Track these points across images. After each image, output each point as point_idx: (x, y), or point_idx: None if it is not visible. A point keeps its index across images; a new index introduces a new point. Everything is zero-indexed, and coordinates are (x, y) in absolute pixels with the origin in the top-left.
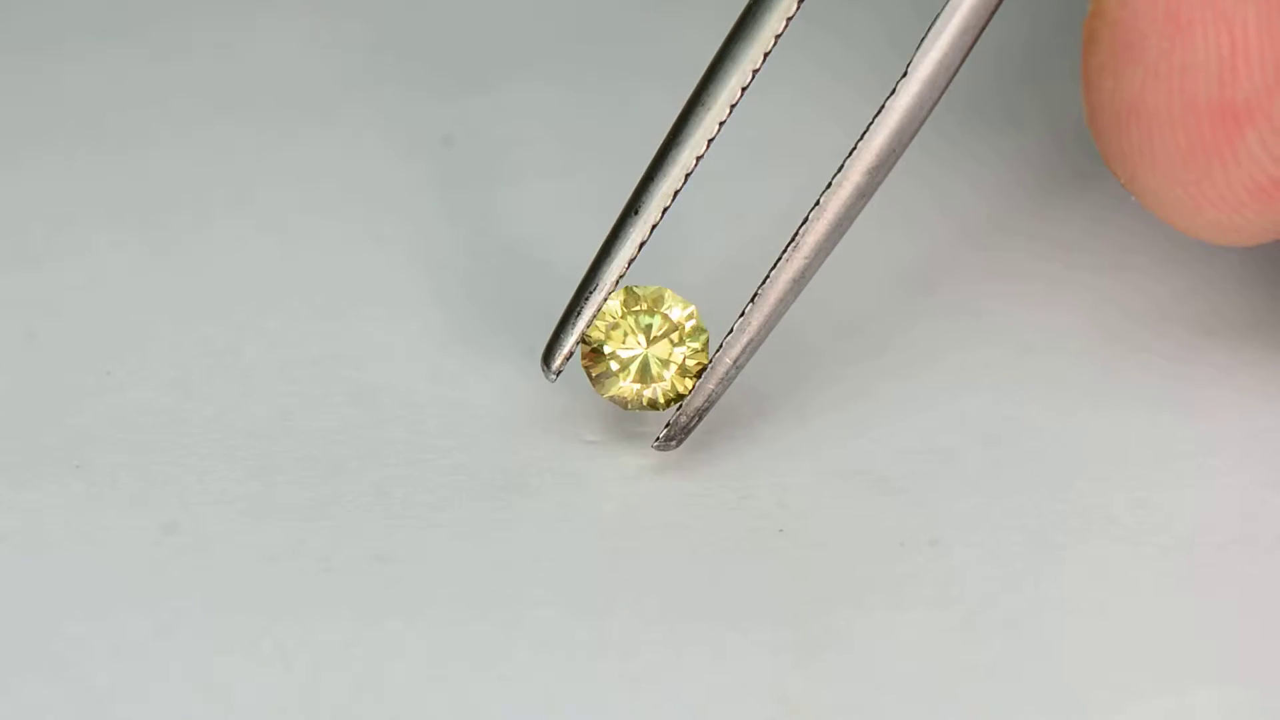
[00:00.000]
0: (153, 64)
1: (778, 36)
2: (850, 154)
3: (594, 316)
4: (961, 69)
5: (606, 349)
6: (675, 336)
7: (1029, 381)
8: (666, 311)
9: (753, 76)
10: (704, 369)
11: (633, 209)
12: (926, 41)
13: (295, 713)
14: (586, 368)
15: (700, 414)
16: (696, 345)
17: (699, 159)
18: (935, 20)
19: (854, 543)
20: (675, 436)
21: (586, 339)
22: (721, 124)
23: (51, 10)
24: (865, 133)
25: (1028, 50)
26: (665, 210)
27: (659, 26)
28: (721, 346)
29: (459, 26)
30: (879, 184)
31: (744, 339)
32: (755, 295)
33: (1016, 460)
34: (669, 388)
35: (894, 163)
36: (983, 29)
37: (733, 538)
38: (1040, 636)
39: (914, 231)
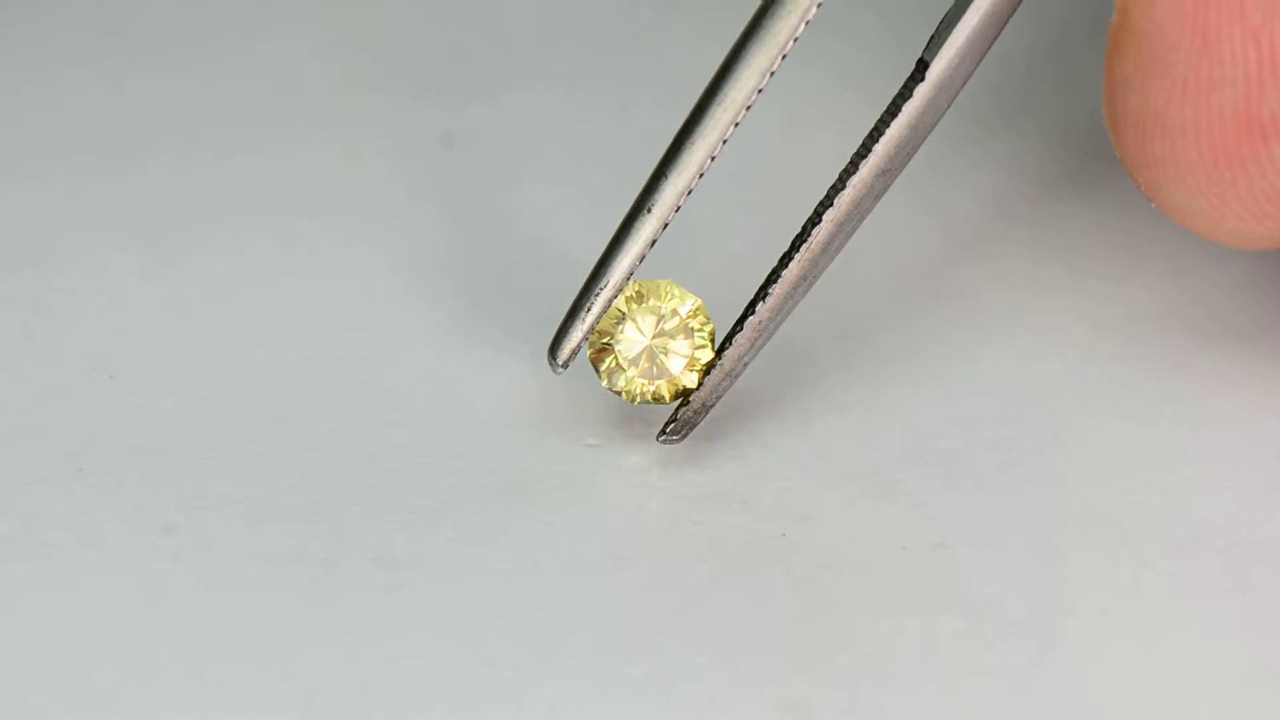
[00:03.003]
0: (155, 73)
1: (795, 38)
2: (862, 154)
3: (603, 311)
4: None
5: (613, 342)
6: (682, 330)
7: (1031, 387)
8: (673, 305)
9: (770, 77)
10: (710, 363)
11: (645, 206)
12: (944, 45)
13: (295, 716)
14: (593, 360)
15: (706, 408)
16: (702, 339)
17: (713, 159)
18: (951, 22)
19: (857, 547)
20: (680, 431)
21: (593, 331)
22: (736, 125)
23: (51, 23)
24: (877, 134)
25: (1028, 57)
26: (678, 209)
27: (660, 32)
28: (729, 342)
29: (460, 33)
30: (890, 184)
31: (751, 335)
32: (764, 291)
33: (1020, 465)
34: (674, 381)
35: (906, 163)
36: (997, 34)
37: (736, 542)
38: (1045, 641)
39: (915, 238)
